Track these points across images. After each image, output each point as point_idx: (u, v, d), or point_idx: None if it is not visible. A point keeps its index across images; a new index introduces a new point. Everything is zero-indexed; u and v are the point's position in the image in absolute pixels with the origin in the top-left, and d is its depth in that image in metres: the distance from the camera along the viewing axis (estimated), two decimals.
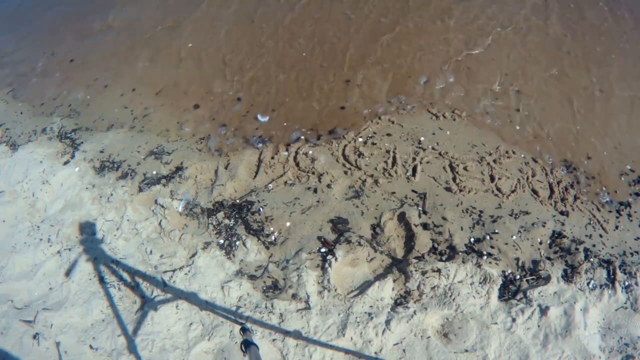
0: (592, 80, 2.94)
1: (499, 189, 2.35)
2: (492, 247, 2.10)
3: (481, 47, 3.18)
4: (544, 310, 1.87)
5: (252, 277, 2.15)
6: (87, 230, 2.52)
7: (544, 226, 2.17)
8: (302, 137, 2.75)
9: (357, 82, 3.06)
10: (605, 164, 2.48)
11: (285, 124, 2.91)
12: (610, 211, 2.27)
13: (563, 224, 2.20)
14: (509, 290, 1.98)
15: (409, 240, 2.19)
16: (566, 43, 3.20)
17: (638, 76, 2.98)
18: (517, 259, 2.07)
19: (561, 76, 2.97)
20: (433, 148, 2.56)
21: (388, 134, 2.67)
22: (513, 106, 2.79)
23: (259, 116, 2.86)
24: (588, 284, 1.97)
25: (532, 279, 2.01)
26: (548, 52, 3.14)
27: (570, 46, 3.17)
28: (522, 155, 2.52)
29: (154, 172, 2.75)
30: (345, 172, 2.51)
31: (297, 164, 2.61)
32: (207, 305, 2.06)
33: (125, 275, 2.27)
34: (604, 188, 2.37)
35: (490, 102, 2.82)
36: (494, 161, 2.48)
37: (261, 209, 2.40)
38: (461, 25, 3.35)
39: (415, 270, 2.02)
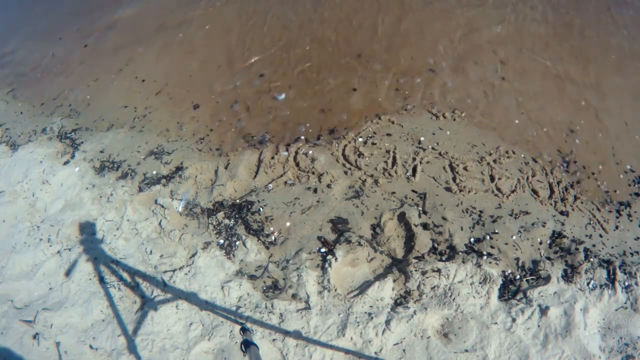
0: (593, 79, 2.95)
1: (499, 189, 2.35)
2: (492, 247, 2.10)
3: (481, 44, 3.18)
4: (544, 310, 1.87)
5: (252, 277, 2.15)
6: (87, 230, 2.52)
7: (544, 226, 2.16)
8: (303, 137, 2.75)
9: (359, 77, 3.07)
10: (605, 163, 2.48)
11: (298, 104, 2.97)
12: (610, 211, 2.27)
13: (563, 224, 2.20)
14: (509, 290, 1.98)
15: (409, 240, 2.19)
16: (566, 41, 3.20)
17: (637, 74, 2.99)
18: (517, 259, 2.07)
19: (561, 74, 2.97)
20: (433, 148, 2.56)
21: (388, 134, 2.67)
22: (513, 105, 2.79)
23: (276, 95, 2.88)
24: (588, 284, 1.97)
25: (532, 279, 2.01)
26: (548, 49, 3.14)
27: (571, 44, 3.18)
28: (522, 155, 2.52)
29: (154, 172, 2.75)
30: (345, 172, 2.51)
31: (297, 164, 2.61)
32: (207, 305, 2.06)
33: (125, 275, 2.27)
34: (604, 187, 2.37)
35: (490, 101, 2.82)
36: (494, 161, 2.48)
37: (261, 209, 2.40)
38: (461, 20, 3.35)
39: (415, 270, 2.02)
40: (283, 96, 3.00)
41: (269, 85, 3.15)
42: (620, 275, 1.99)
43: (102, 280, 2.27)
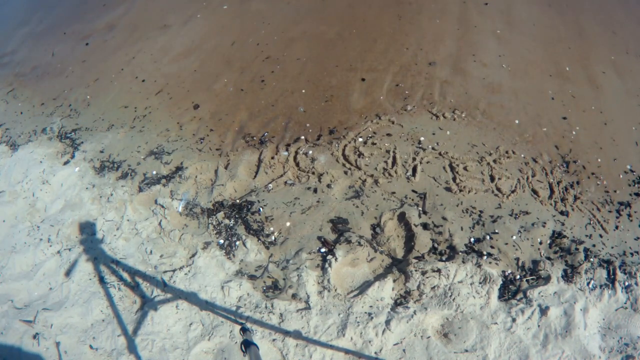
0: (592, 79, 2.95)
1: (499, 189, 2.35)
2: (492, 247, 2.10)
3: (480, 43, 3.18)
4: (544, 310, 1.87)
5: (252, 277, 2.15)
6: (87, 230, 2.52)
7: (544, 226, 2.16)
8: (303, 137, 2.75)
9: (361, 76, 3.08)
10: (605, 163, 2.48)
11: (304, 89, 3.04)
12: (610, 211, 2.26)
13: (563, 224, 2.20)
14: (509, 290, 1.98)
15: (409, 240, 2.19)
16: (566, 40, 3.20)
17: (637, 74, 2.99)
18: (517, 259, 2.07)
19: (561, 75, 2.97)
20: (433, 148, 2.56)
21: (388, 134, 2.67)
22: (513, 105, 2.79)
23: None
24: (588, 284, 1.97)
25: (532, 279, 2.01)
26: (548, 49, 3.14)
27: (570, 44, 3.18)
28: (522, 155, 2.51)
29: (154, 172, 2.75)
30: (345, 172, 2.51)
31: (297, 164, 2.60)
32: (207, 305, 2.06)
33: (125, 275, 2.27)
34: (604, 187, 2.37)
35: (490, 101, 2.82)
36: (494, 161, 2.48)
37: (261, 209, 2.40)
38: (462, 19, 3.35)
39: (415, 270, 2.02)
40: None
41: None
42: (620, 275, 1.99)
43: (102, 280, 2.27)
